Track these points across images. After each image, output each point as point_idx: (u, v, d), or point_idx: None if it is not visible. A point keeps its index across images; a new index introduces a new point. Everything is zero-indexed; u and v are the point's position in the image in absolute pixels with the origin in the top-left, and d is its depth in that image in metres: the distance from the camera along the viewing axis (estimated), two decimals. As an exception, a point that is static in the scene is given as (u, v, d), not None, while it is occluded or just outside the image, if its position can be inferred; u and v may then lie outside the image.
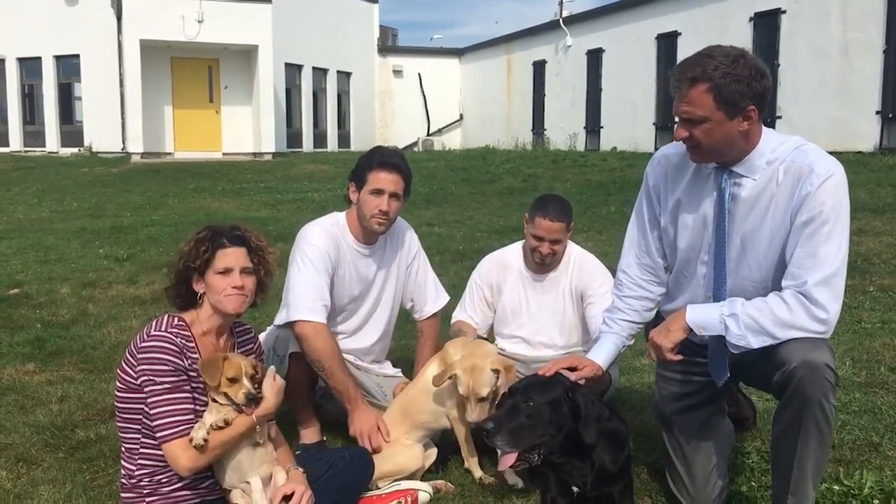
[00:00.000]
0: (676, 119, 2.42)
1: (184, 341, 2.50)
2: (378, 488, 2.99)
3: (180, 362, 2.45)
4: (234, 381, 2.48)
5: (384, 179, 3.35)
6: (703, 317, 2.40)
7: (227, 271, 2.54)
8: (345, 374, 3.28)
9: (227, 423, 2.46)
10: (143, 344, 2.46)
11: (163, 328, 2.49)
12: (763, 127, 2.43)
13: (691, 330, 2.42)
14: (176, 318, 2.55)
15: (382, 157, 3.39)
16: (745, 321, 2.31)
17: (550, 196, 3.73)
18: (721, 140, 2.36)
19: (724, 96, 2.29)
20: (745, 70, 2.29)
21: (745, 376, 2.70)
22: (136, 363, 2.45)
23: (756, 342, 2.31)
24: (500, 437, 2.60)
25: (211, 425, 2.43)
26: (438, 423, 3.21)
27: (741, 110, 2.31)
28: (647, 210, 2.73)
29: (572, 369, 2.73)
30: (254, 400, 2.50)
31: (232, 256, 2.56)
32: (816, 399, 2.23)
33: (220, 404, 2.49)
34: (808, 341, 2.28)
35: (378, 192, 3.35)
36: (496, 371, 3.00)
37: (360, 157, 3.51)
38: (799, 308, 2.28)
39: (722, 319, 2.35)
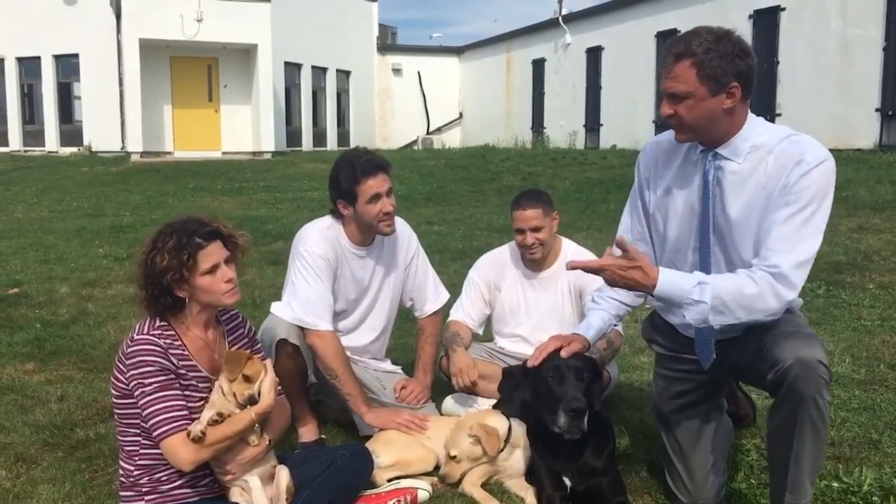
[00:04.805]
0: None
1: (168, 341, 2.49)
2: (378, 485, 2.98)
3: (166, 362, 2.45)
4: (248, 380, 2.49)
5: (375, 185, 3.34)
6: (671, 295, 2.34)
7: (213, 269, 2.51)
8: (354, 381, 3.37)
9: (221, 417, 2.46)
10: (128, 350, 2.46)
11: (145, 331, 2.49)
12: (750, 113, 2.45)
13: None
14: (157, 320, 2.53)
15: (362, 166, 3.35)
16: (714, 304, 2.28)
17: (525, 189, 3.82)
18: (703, 117, 2.37)
19: (707, 72, 2.31)
20: (729, 47, 2.32)
21: (739, 375, 2.69)
22: (125, 369, 2.46)
23: (715, 322, 2.30)
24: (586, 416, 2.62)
25: (207, 421, 2.43)
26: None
27: (724, 87, 2.33)
28: (640, 198, 2.75)
29: (559, 350, 2.73)
30: (253, 404, 2.50)
31: (214, 254, 2.51)
32: (811, 396, 2.24)
33: (223, 396, 2.50)
34: (801, 338, 2.29)
35: (375, 197, 3.35)
36: (473, 436, 3.01)
37: (333, 173, 3.43)
38: (769, 291, 2.27)
39: (691, 302, 2.30)
